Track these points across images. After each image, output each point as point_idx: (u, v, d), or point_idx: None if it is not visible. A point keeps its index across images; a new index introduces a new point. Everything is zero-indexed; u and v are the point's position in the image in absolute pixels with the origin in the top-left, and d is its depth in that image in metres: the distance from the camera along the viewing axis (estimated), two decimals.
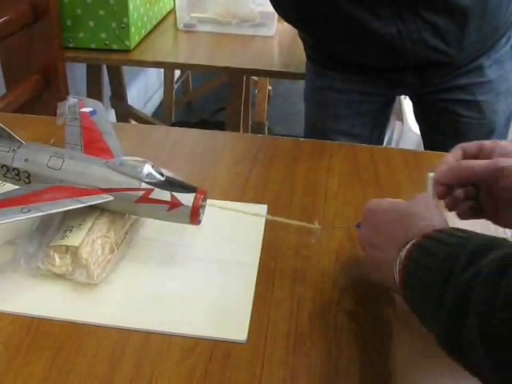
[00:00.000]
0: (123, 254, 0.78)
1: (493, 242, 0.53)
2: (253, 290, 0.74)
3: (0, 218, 0.68)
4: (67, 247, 0.72)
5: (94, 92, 2.12)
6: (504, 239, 0.54)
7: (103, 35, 1.56)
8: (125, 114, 2.55)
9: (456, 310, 0.50)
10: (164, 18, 1.90)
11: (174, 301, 0.72)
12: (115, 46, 1.57)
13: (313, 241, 0.79)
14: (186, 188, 0.75)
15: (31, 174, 0.77)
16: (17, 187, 0.78)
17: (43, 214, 0.70)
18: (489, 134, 1.33)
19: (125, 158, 0.79)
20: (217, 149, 1.13)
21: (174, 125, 2.95)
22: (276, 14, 1.80)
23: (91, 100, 0.94)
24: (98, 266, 0.72)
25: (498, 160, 0.67)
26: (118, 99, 2.44)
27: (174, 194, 0.74)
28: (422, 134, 1.47)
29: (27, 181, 0.78)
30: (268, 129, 3.01)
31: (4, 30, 1.37)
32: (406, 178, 1.02)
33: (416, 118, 1.47)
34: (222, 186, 0.96)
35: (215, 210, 0.78)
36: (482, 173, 0.67)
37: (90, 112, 0.90)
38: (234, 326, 0.69)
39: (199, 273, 0.77)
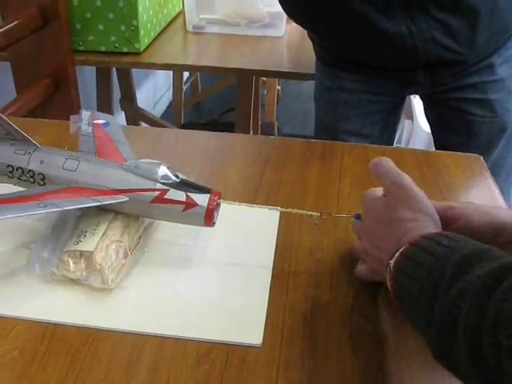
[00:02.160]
0: (137, 258, 0.78)
1: (479, 253, 0.53)
2: (267, 292, 0.74)
3: (16, 211, 0.68)
4: (81, 252, 0.72)
5: (103, 95, 2.14)
6: (489, 248, 0.54)
7: (113, 38, 1.56)
8: (134, 115, 2.56)
9: (444, 328, 0.51)
10: (173, 20, 1.90)
11: (189, 305, 0.72)
12: (125, 49, 1.57)
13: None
14: (200, 189, 0.75)
15: (46, 175, 0.77)
16: None
17: (59, 209, 0.70)
18: (501, 132, 1.33)
19: (140, 160, 0.80)
20: (228, 151, 1.12)
21: (183, 126, 2.95)
22: (285, 14, 1.80)
23: (103, 114, 0.94)
24: (113, 270, 0.72)
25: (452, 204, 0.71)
26: (128, 101, 2.45)
27: (189, 194, 0.74)
28: (432, 133, 1.47)
29: (42, 183, 0.78)
30: (277, 129, 3.00)
31: (14, 34, 1.38)
32: (419, 178, 1.01)
33: (426, 116, 1.47)
34: (233, 189, 0.96)
35: (228, 213, 0.78)
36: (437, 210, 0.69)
37: (103, 124, 0.90)
38: (249, 329, 0.68)
39: (213, 276, 0.77)
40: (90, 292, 0.73)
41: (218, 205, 0.76)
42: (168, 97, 3.54)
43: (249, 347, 0.66)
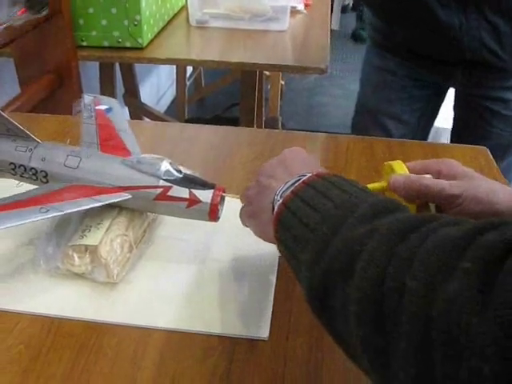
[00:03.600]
0: (142, 252, 0.77)
1: (395, 204, 0.49)
2: (273, 285, 0.73)
3: (19, 219, 0.68)
4: (86, 246, 0.72)
5: (107, 90, 2.13)
6: (404, 205, 0.50)
7: (116, 33, 1.55)
8: (138, 111, 2.56)
9: (337, 265, 0.44)
10: (176, 15, 1.89)
11: (194, 299, 0.72)
12: (128, 44, 1.56)
13: None
14: (204, 185, 0.75)
15: (48, 173, 0.77)
16: (34, 187, 0.78)
17: (61, 213, 0.70)
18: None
19: (142, 155, 0.79)
20: (232, 145, 1.12)
21: (187, 121, 2.94)
22: (289, 8, 1.80)
23: (106, 98, 0.93)
24: (118, 264, 0.72)
25: (451, 186, 0.64)
26: (131, 97, 2.45)
27: (193, 190, 0.73)
28: (452, 130, 1.50)
29: (44, 180, 0.78)
30: (281, 124, 3.00)
31: (16, 29, 1.37)
32: None
33: (454, 112, 1.51)
34: (238, 183, 0.95)
35: (233, 208, 0.78)
36: (435, 193, 0.65)
37: (106, 110, 0.89)
38: (256, 322, 0.68)
39: (219, 269, 0.76)
40: (95, 286, 0.72)
41: (223, 199, 0.75)
42: (171, 92, 3.54)
43: (255, 340, 0.66)
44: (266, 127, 2.60)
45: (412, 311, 0.36)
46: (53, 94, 1.55)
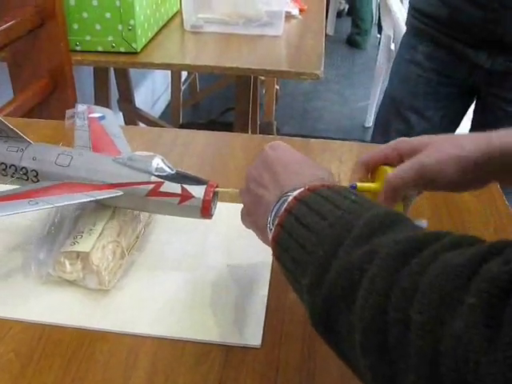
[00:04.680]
0: (134, 259, 0.77)
1: (391, 217, 0.47)
2: (266, 292, 0.73)
3: (7, 209, 0.68)
4: (78, 253, 0.71)
5: (101, 95, 2.13)
6: (401, 214, 0.48)
7: (110, 38, 1.55)
8: (133, 116, 2.55)
9: (339, 292, 0.43)
10: (170, 20, 1.89)
11: (187, 306, 0.71)
12: (122, 49, 1.56)
13: None
14: (196, 181, 0.74)
15: (39, 172, 0.76)
16: None
17: (51, 206, 0.70)
18: None
19: (134, 153, 0.79)
20: (227, 150, 1.12)
21: (182, 126, 2.94)
22: (283, 13, 1.80)
23: (99, 107, 0.93)
24: (110, 271, 0.71)
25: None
26: (126, 102, 2.44)
27: (185, 186, 0.73)
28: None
29: (35, 180, 0.77)
30: (276, 129, 3.00)
31: (10, 34, 1.36)
32: None
33: (472, 120, 1.53)
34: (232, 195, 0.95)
35: (226, 214, 0.77)
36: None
37: (99, 117, 0.89)
38: (248, 330, 0.68)
39: (212, 277, 0.76)
40: (87, 293, 0.72)
41: (216, 196, 0.75)
42: (166, 97, 3.53)
43: (248, 348, 0.66)
44: (260, 132, 2.60)
45: (419, 345, 0.36)
46: (47, 98, 1.54)
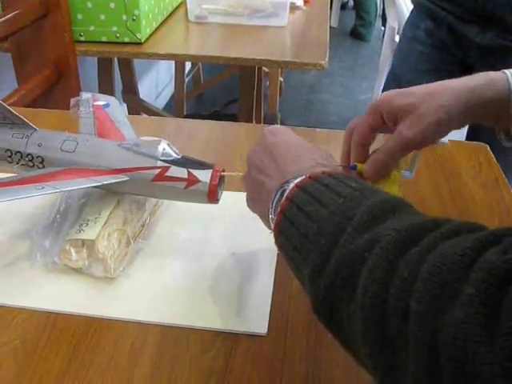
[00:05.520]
0: (140, 247, 0.77)
1: (392, 204, 0.47)
2: (272, 281, 0.73)
3: (13, 194, 0.67)
4: (83, 241, 0.71)
5: (105, 86, 2.12)
6: (401, 200, 0.48)
7: (114, 28, 1.54)
8: (136, 107, 2.55)
9: (339, 280, 0.44)
10: (175, 10, 1.88)
11: (193, 294, 0.71)
12: (126, 39, 1.56)
13: None
14: (202, 165, 0.74)
15: (45, 158, 0.76)
16: None
17: (57, 191, 0.69)
18: None
19: (139, 138, 0.78)
20: (232, 140, 1.11)
21: (185, 117, 2.93)
22: (288, 4, 1.79)
23: (103, 95, 0.93)
24: (115, 259, 0.71)
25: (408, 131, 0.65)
26: (130, 93, 2.44)
27: (191, 170, 0.72)
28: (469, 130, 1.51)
29: (41, 166, 0.77)
30: (280, 121, 2.99)
31: (14, 24, 1.36)
32: (424, 166, 1.01)
33: None
34: (237, 179, 0.95)
35: (231, 203, 0.77)
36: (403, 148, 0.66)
37: (104, 105, 0.89)
38: (254, 318, 0.68)
39: (217, 265, 0.76)
40: (93, 281, 0.72)
41: (222, 181, 0.74)
42: (170, 88, 3.53)
43: (254, 336, 0.65)
44: (264, 124, 2.60)
45: (418, 336, 0.36)
46: (51, 89, 1.54)
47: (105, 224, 0.72)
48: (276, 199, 0.55)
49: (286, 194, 0.53)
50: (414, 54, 1.51)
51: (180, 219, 0.81)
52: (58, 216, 0.76)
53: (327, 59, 1.51)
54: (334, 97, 3.85)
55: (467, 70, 1.46)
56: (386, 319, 0.38)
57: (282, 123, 3.02)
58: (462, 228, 0.40)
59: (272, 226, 0.55)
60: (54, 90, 1.55)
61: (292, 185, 0.53)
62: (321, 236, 0.47)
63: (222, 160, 1.01)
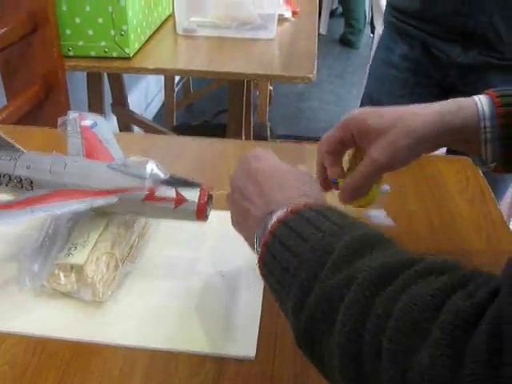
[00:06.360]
0: (129, 270, 0.77)
1: (370, 239, 0.48)
2: (260, 303, 0.73)
3: (5, 218, 0.68)
4: (72, 265, 0.71)
5: (94, 100, 2.12)
6: (381, 234, 0.50)
7: (103, 43, 1.54)
8: (126, 119, 2.55)
9: (319, 315, 0.45)
10: (163, 23, 1.89)
11: (181, 317, 0.71)
12: (115, 54, 1.56)
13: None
14: (190, 184, 0.75)
15: (34, 180, 0.77)
16: None
17: (47, 213, 0.70)
18: None
19: (127, 158, 0.79)
20: (220, 157, 1.12)
21: (176, 128, 2.94)
22: (276, 16, 1.80)
23: (90, 114, 0.93)
24: (104, 283, 0.71)
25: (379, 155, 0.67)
26: (119, 105, 2.44)
27: (179, 190, 0.73)
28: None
29: (29, 188, 0.77)
30: (270, 130, 3.00)
31: (4, 40, 1.36)
32: (410, 181, 1.01)
33: None
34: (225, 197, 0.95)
35: (219, 221, 0.77)
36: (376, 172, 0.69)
37: (91, 125, 0.89)
38: (243, 340, 0.68)
39: (205, 288, 0.76)
40: (81, 305, 0.72)
41: (211, 198, 0.75)
42: (160, 98, 3.53)
43: (242, 360, 0.66)
44: (254, 133, 2.60)
45: (390, 374, 0.37)
46: (40, 104, 1.54)
47: (93, 248, 0.73)
48: (260, 231, 0.56)
49: (268, 228, 0.54)
50: (388, 78, 1.50)
51: (168, 239, 0.81)
52: (46, 239, 0.76)
53: (315, 72, 1.52)
54: (324, 104, 3.86)
55: (444, 91, 1.45)
56: (362, 356, 0.40)
57: (272, 132, 3.02)
58: (435, 266, 0.42)
59: (256, 256, 0.56)
60: (43, 105, 1.55)
61: (274, 218, 0.54)
62: (301, 270, 0.48)
63: (210, 177, 1.02)
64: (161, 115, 3.42)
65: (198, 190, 0.73)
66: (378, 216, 0.85)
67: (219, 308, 0.73)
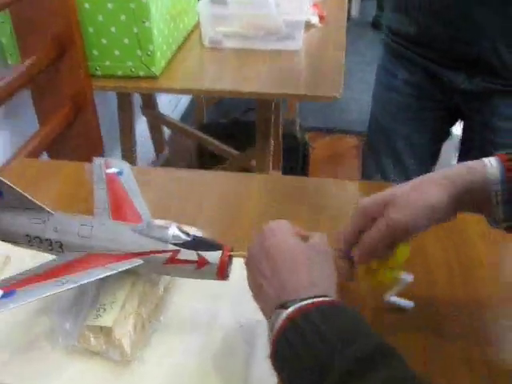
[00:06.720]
0: (155, 327, 0.79)
1: (366, 364, 0.51)
2: None
3: (38, 293, 0.70)
4: (101, 327, 0.74)
5: (124, 103, 2.13)
6: (381, 343, 0.53)
7: (129, 63, 1.56)
8: (157, 121, 2.58)
9: None
10: (189, 35, 1.90)
11: (202, 374, 0.73)
12: (141, 73, 1.57)
13: None
14: (212, 246, 0.76)
15: (63, 243, 0.79)
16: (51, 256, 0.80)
17: (76, 285, 0.72)
18: None
19: (151, 220, 0.81)
20: (243, 192, 1.13)
21: (205, 126, 2.95)
22: (303, 24, 1.78)
23: (116, 160, 0.95)
24: (132, 343, 0.74)
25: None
26: (149, 108, 2.46)
27: (201, 253, 0.75)
28: (459, 154, 1.50)
29: (60, 250, 0.80)
30: (299, 125, 3.00)
31: (33, 69, 1.39)
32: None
33: (462, 137, 1.51)
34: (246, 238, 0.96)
35: (240, 270, 0.79)
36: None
37: (116, 173, 0.92)
38: None
39: (233, 340, 0.78)
40: (110, 365, 0.74)
41: (231, 259, 0.77)
42: (188, 96, 3.55)
43: None
44: (284, 131, 2.61)
45: None
46: (70, 125, 1.57)
47: (121, 309, 0.75)
48: (271, 323, 0.61)
49: (278, 325, 0.59)
50: (391, 103, 1.49)
51: (193, 294, 0.83)
52: (76, 296, 0.79)
53: (342, 89, 1.52)
54: (356, 94, 3.82)
55: (450, 113, 1.44)
56: None
57: (301, 127, 3.02)
58: None
59: (269, 347, 0.61)
60: (72, 126, 1.58)
61: (284, 316, 0.58)
62: (307, 373, 0.53)
63: (231, 215, 1.03)
64: (189, 114, 3.44)
65: (220, 252, 0.75)
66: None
67: (238, 362, 0.75)
